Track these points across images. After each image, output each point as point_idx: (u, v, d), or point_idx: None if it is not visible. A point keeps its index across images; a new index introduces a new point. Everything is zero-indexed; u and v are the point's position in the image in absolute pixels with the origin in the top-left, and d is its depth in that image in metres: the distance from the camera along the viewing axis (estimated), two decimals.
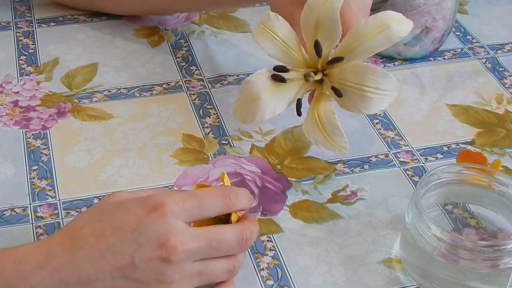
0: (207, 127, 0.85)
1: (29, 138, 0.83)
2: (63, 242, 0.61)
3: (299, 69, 0.75)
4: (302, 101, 0.75)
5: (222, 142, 0.83)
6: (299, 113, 0.75)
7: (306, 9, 0.73)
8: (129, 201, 0.63)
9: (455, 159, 0.79)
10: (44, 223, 0.73)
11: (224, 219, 0.65)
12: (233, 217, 0.65)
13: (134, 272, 0.60)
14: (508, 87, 0.93)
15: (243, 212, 0.67)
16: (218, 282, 0.66)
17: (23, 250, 0.61)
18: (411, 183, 0.79)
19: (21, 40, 0.98)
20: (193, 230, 0.61)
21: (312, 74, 0.74)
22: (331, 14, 0.72)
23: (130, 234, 0.60)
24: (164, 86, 0.91)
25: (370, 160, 0.82)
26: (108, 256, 0.60)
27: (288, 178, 0.79)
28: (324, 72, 0.74)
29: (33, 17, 1.03)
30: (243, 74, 0.93)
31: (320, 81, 0.75)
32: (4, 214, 0.74)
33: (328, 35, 0.72)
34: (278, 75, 0.74)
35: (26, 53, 0.96)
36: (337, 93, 0.72)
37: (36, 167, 0.79)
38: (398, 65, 0.96)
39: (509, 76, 0.95)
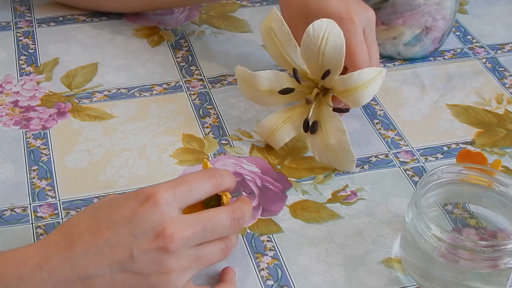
0: (207, 127, 0.85)
1: (29, 138, 0.83)
2: (59, 241, 0.61)
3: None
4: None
5: (222, 142, 0.83)
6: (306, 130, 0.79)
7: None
8: (121, 197, 0.63)
9: (455, 159, 0.79)
10: (44, 223, 0.73)
11: (215, 205, 0.66)
12: (225, 200, 0.66)
13: (133, 264, 0.60)
14: (508, 87, 0.93)
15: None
16: (220, 281, 0.67)
17: (21, 253, 0.61)
18: (411, 183, 0.79)
19: (21, 40, 0.98)
20: (187, 216, 0.62)
21: (311, 99, 0.78)
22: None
23: (126, 227, 0.60)
24: (164, 86, 0.91)
25: (370, 160, 0.82)
26: (105, 251, 0.60)
27: (288, 178, 0.79)
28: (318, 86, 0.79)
29: (33, 17, 1.03)
30: None
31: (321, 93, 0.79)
32: (4, 214, 0.74)
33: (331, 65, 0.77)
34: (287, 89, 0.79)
35: (26, 53, 0.96)
36: (342, 111, 0.78)
37: (36, 167, 0.79)
38: (398, 65, 0.96)
39: (509, 76, 0.95)
